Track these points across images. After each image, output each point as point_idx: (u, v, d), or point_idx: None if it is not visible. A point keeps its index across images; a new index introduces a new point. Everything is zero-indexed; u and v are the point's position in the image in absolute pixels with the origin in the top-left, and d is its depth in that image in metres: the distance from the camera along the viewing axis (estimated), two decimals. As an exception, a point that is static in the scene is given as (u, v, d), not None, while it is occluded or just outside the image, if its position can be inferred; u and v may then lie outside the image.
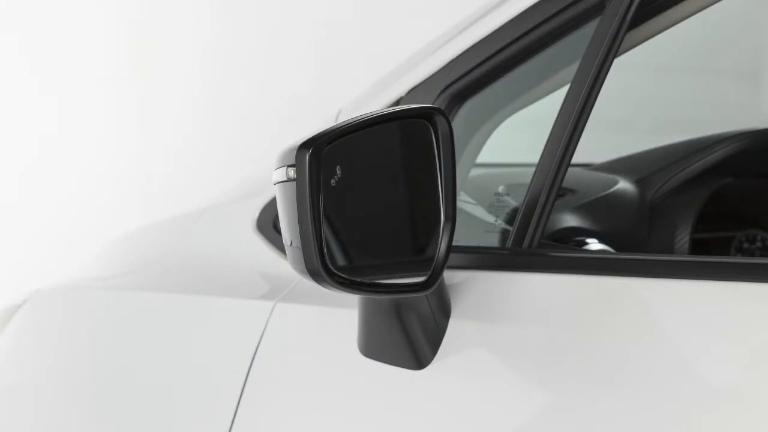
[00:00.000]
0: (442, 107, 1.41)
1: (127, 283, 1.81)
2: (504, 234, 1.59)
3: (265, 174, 1.69)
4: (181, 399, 1.57)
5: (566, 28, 1.38)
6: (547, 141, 1.28)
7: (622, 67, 1.53)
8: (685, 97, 4.17)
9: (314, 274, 1.09)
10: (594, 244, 1.77)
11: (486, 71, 1.44)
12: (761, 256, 2.08)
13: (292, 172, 1.10)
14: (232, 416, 1.47)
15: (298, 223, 1.08)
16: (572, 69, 1.31)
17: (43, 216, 4.06)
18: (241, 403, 1.47)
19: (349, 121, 1.13)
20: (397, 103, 1.51)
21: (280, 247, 1.62)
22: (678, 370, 1.10)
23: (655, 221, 1.92)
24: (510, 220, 1.60)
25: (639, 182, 1.94)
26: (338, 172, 1.11)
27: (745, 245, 2.09)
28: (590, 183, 1.94)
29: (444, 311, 1.30)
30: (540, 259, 1.27)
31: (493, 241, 1.61)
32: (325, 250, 1.09)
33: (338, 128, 1.11)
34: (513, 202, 1.65)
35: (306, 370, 1.43)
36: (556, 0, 1.37)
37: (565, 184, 1.65)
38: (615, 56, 1.27)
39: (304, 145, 1.08)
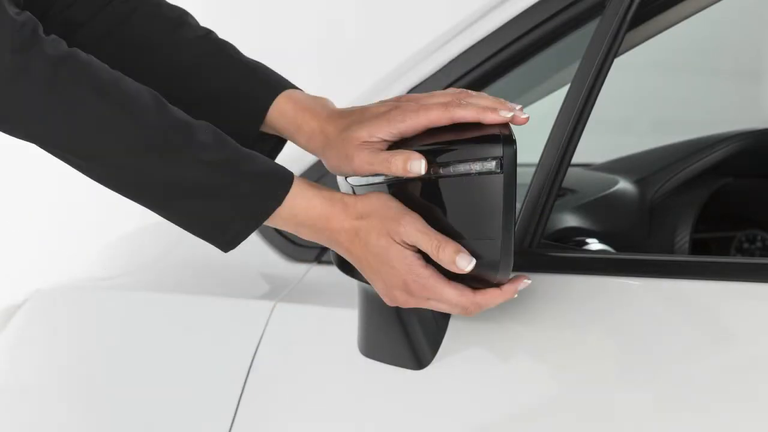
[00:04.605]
0: None
1: (127, 283, 1.81)
2: (504, 234, 1.58)
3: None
4: (180, 399, 1.57)
5: (566, 28, 1.38)
6: (547, 141, 1.28)
7: (622, 67, 1.53)
8: (685, 97, 4.16)
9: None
10: (594, 244, 1.77)
11: (486, 71, 1.44)
12: (761, 256, 2.08)
13: (493, 165, 1.12)
14: (232, 416, 1.47)
15: (503, 215, 1.11)
16: (572, 69, 1.31)
17: (43, 216, 4.06)
18: (241, 403, 1.47)
19: None
20: None
21: (280, 247, 1.62)
22: (678, 370, 1.10)
23: (655, 221, 1.92)
24: (510, 220, 1.60)
25: (639, 182, 1.94)
26: None
27: (745, 245, 2.09)
28: (590, 183, 1.94)
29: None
30: (540, 259, 1.27)
31: (492, 241, 1.61)
32: None
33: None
34: (513, 202, 1.65)
35: (306, 370, 1.43)
36: (556, 0, 1.37)
37: (565, 184, 1.65)
38: (615, 56, 1.27)
39: (508, 139, 1.12)
